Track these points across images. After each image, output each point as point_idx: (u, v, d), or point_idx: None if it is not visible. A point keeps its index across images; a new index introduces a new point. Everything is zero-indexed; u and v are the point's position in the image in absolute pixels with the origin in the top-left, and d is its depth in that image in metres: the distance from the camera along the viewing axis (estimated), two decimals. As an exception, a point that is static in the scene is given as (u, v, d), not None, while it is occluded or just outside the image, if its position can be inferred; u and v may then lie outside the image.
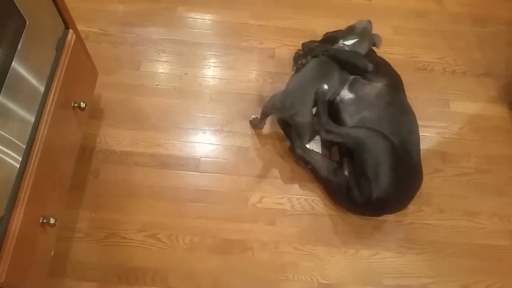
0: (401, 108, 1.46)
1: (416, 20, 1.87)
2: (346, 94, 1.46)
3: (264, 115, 1.50)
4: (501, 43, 1.85)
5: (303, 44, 1.65)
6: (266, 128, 1.55)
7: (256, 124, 1.55)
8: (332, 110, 1.46)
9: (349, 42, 1.52)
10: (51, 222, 1.06)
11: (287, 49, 1.73)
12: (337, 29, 1.65)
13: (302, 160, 1.45)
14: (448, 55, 1.79)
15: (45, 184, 1.09)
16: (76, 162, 1.33)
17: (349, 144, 1.36)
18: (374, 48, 1.57)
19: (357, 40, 1.52)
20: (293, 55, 1.59)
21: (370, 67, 1.44)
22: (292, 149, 1.46)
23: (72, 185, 1.30)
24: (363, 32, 1.55)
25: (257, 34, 1.77)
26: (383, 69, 1.50)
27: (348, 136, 1.36)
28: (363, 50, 1.51)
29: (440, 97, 1.70)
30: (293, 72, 1.54)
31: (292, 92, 1.41)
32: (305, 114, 1.38)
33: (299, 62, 1.48)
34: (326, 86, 1.39)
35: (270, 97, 1.47)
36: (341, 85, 1.47)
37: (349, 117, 1.43)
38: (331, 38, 1.61)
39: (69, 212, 1.36)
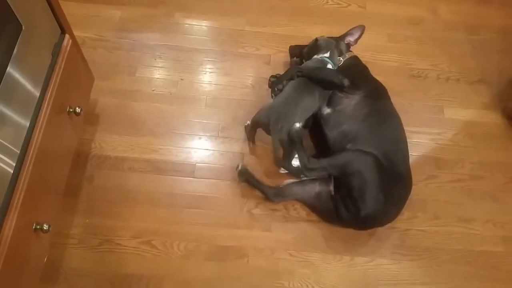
0: (382, 116, 1.45)
1: (410, 27, 1.89)
2: (324, 109, 1.46)
3: (253, 128, 1.50)
4: (494, 51, 1.88)
5: (290, 47, 1.66)
6: (262, 135, 1.54)
7: (247, 133, 1.55)
8: (315, 124, 1.48)
9: (327, 54, 1.52)
10: (45, 228, 1.05)
11: (283, 55, 1.74)
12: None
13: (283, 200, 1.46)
14: (442, 62, 1.81)
15: (39, 189, 1.08)
16: (71, 167, 1.32)
17: (334, 173, 1.36)
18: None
19: (330, 53, 1.52)
20: (268, 82, 1.55)
21: (346, 82, 1.43)
22: (268, 199, 1.44)
23: (66, 190, 1.29)
24: (329, 44, 1.55)
25: (253, 40, 1.78)
26: (361, 80, 1.49)
27: (330, 166, 1.35)
28: (336, 60, 1.52)
29: (434, 103, 1.71)
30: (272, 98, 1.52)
31: (276, 108, 1.40)
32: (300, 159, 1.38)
33: (276, 89, 1.46)
34: (298, 124, 1.37)
35: (258, 110, 1.46)
36: (324, 100, 1.46)
37: (329, 131, 1.43)
38: (301, 54, 1.61)
39: (63, 218, 1.35)
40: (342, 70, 1.51)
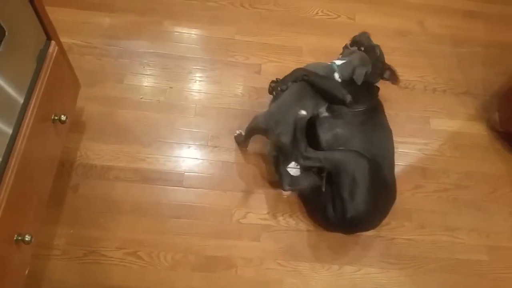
0: (375, 125, 1.47)
1: (398, 39, 1.91)
2: (323, 112, 1.47)
3: (248, 135, 1.49)
4: (479, 64, 1.91)
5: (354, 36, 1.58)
6: (251, 144, 1.54)
7: (240, 142, 1.54)
8: (309, 124, 1.46)
9: (339, 62, 1.50)
10: (26, 239, 1.02)
11: (273, 65, 1.75)
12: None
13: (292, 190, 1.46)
14: (429, 74, 1.84)
15: (21, 199, 1.05)
16: (55, 176, 1.29)
17: (327, 167, 1.37)
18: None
19: (345, 62, 1.50)
20: (268, 88, 1.51)
21: (348, 98, 1.44)
22: (281, 186, 1.43)
23: (50, 200, 1.25)
24: (352, 57, 1.51)
25: (243, 49, 1.78)
26: (363, 97, 1.49)
27: (325, 159, 1.36)
28: (347, 75, 1.48)
29: (421, 114, 1.73)
30: (273, 98, 1.51)
31: (275, 113, 1.40)
32: (290, 133, 1.37)
33: (279, 88, 1.45)
34: (304, 112, 1.38)
35: (253, 117, 1.46)
36: (320, 105, 1.47)
37: (323, 133, 1.43)
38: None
39: (46, 229, 1.32)
40: (347, 84, 1.49)
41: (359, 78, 1.48)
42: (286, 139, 1.36)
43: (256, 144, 1.55)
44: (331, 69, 1.49)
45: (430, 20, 2.00)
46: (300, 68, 1.49)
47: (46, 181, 1.24)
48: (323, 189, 1.38)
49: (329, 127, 1.44)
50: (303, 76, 1.45)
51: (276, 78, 1.52)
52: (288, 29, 1.86)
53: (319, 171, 1.40)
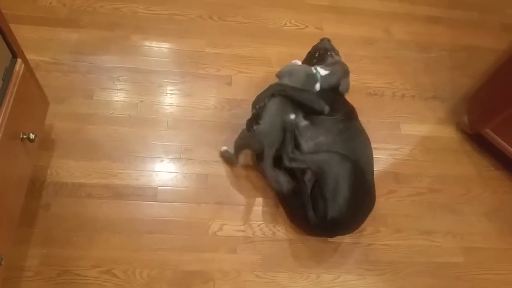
0: (353, 132, 1.50)
1: (365, 47, 1.96)
2: (301, 121, 1.48)
3: (238, 152, 1.49)
4: (445, 68, 1.97)
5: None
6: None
7: (228, 158, 1.53)
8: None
9: (323, 72, 1.53)
10: (-4, 262, 1.00)
11: (244, 76, 1.76)
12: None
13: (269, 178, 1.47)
14: (396, 80, 1.88)
15: (-10, 220, 1.03)
16: (26, 195, 1.26)
17: (312, 169, 1.38)
18: None
19: (328, 73, 1.54)
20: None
21: (326, 109, 1.47)
22: (263, 170, 1.46)
23: (21, 220, 1.22)
24: (335, 67, 1.56)
25: (214, 61, 1.78)
26: (338, 106, 1.53)
27: (311, 161, 1.38)
28: (328, 86, 1.53)
29: (391, 120, 1.77)
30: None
31: (266, 129, 1.40)
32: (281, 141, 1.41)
33: (257, 106, 1.45)
34: (293, 116, 1.42)
35: (240, 134, 1.45)
36: (298, 115, 1.48)
37: (305, 142, 1.45)
38: (320, 56, 1.60)
39: (17, 250, 1.28)
40: (322, 93, 1.52)
41: (345, 89, 1.51)
42: (277, 146, 1.40)
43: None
44: (313, 78, 1.51)
45: (396, 27, 2.05)
46: (276, 83, 1.50)
47: (16, 200, 1.21)
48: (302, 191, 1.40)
49: (311, 136, 1.45)
50: (279, 91, 1.46)
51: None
52: (258, 40, 1.88)
53: (302, 174, 1.42)
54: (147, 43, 1.79)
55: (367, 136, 1.52)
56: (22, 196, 1.24)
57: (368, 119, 1.71)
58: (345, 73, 1.59)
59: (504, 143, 1.61)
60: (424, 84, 1.89)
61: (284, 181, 1.44)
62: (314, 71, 1.53)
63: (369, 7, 2.10)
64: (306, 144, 1.44)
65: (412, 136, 1.74)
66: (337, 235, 1.45)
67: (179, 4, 1.92)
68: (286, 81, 1.50)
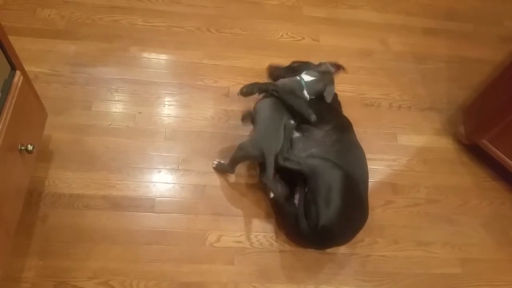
0: (347, 145, 1.50)
1: (362, 59, 1.97)
2: (293, 133, 1.49)
3: (235, 164, 1.49)
4: (442, 79, 1.98)
5: (270, 67, 1.68)
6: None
7: (223, 171, 1.54)
8: None
9: (308, 78, 1.55)
10: (-8, 274, 0.99)
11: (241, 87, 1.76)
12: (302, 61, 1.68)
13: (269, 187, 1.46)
14: (393, 91, 1.89)
15: (-14, 232, 1.03)
16: (23, 206, 1.26)
17: (304, 171, 1.38)
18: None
19: (314, 79, 1.55)
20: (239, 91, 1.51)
21: (313, 118, 1.48)
22: (261, 178, 1.47)
23: (18, 231, 1.23)
24: (324, 75, 1.57)
25: (211, 73, 1.80)
26: (329, 116, 1.54)
27: (304, 163, 1.38)
28: (314, 92, 1.55)
29: (387, 131, 1.77)
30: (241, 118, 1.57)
31: (263, 137, 1.41)
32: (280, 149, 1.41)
33: (245, 90, 1.46)
34: (292, 121, 1.44)
35: (237, 147, 1.45)
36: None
37: (297, 154, 1.45)
38: (295, 68, 1.63)
39: (14, 261, 1.28)
40: (313, 102, 1.54)
41: (329, 95, 1.51)
42: (275, 154, 1.40)
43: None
44: (299, 85, 1.53)
45: (393, 39, 2.07)
46: (272, 83, 1.52)
47: (13, 211, 1.21)
48: (296, 200, 1.40)
49: (303, 148, 1.46)
50: (272, 90, 1.48)
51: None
52: (255, 52, 1.90)
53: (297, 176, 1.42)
54: (145, 54, 1.81)
55: (362, 149, 1.52)
56: (20, 207, 1.25)
57: (364, 130, 1.72)
58: (331, 80, 1.59)
59: (501, 154, 1.62)
60: (420, 95, 1.90)
61: (282, 193, 1.44)
62: (298, 78, 1.55)
63: (366, 19, 2.11)
64: (299, 156, 1.44)
65: (409, 147, 1.74)
66: (328, 247, 1.44)
67: (177, 16, 1.94)
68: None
